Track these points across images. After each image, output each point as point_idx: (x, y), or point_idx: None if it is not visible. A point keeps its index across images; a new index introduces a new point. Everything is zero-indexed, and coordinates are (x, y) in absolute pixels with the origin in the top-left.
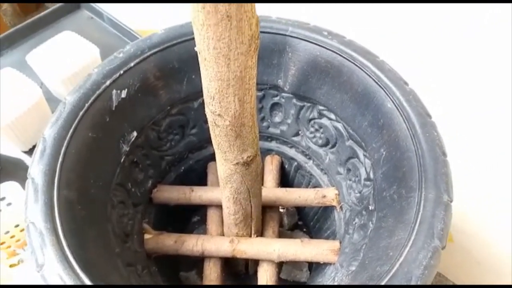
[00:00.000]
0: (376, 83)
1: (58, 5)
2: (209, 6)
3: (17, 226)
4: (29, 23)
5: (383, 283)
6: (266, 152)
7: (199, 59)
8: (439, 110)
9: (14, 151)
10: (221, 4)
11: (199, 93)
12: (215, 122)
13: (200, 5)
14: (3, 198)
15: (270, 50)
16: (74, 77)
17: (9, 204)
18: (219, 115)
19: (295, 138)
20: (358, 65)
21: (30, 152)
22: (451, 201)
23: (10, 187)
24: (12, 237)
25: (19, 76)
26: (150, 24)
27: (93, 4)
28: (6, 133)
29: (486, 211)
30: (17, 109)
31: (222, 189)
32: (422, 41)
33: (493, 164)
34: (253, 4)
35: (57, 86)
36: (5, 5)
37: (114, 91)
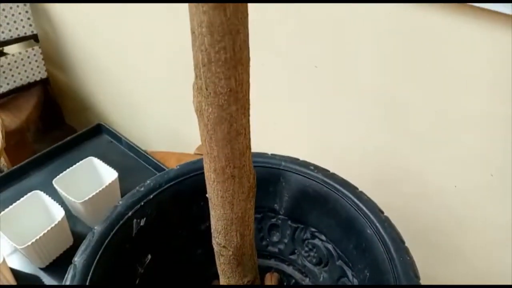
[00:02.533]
0: (356, 211)
1: (81, 131)
2: (218, 169)
3: None
4: (55, 147)
5: None
6: (265, 269)
7: (209, 203)
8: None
9: (30, 268)
10: (227, 168)
11: (206, 217)
12: (220, 253)
13: (212, 168)
14: None
15: (267, 180)
16: (93, 198)
17: None
18: (224, 246)
19: (292, 257)
20: (340, 195)
21: (46, 269)
22: None
23: None
24: None
25: (44, 199)
26: (161, 145)
27: (112, 129)
28: (28, 252)
29: None
30: (40, 230)
31: None
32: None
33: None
34: (251, 165)
35: (77, 206)
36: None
37: (134, 220)
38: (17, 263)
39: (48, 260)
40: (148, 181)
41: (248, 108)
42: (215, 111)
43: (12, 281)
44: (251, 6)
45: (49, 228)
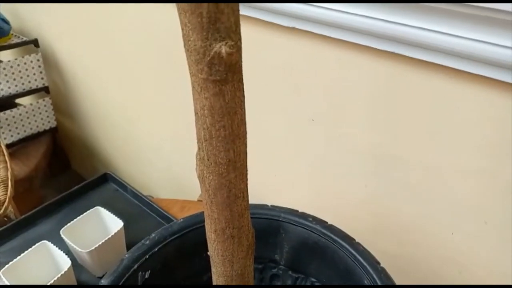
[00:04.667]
0: (354, 262)
1: (88, 180)
2: (219, 230)
3: None
4: (63, 197)
5: None
6: None
7: (211, 261)
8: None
9: None
10: (227, 229)
11: (208, 268)
12: None
13: (213, 228)
14: None
15: (267, 232)
16: (99, 248)
17: None
18: None
19: None
20: (338, 246)
21: None
22: None
23: None
24: None
25: (52, 249)
26: (165, 191)
27: (117, 177)
28: None
29: None
30: (47, 279)
31: None
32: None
33: None
34: (249, 224)
35: (83, 256)
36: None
37: (140, 273)
38: None
39: None
40: (153, 234)
41: (246, 174)
42: (215, 178)
43: None
44: (247, 77)
45: (55, 278)
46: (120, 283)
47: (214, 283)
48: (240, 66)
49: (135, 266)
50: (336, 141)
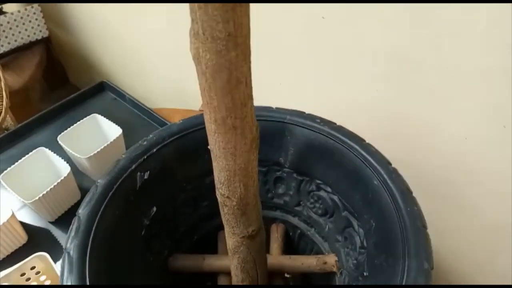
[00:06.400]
0: (363, 163)
1: (84, 88)
2: (219, 120)
3: None
4: (59, 105)
5: None
6: (271, 220)
7: (211, 154)
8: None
9: (41, 222)
10: (229, 119)
11: (211, 171)
12: (224, 203)
13: (212, 119)
14: (33, 267)
15: (272, 134)
16: (99, 154)
17: (37, 273)
18: (227, 197)
19: (297, 208)
20: (347, 147)
21: (56, 222)
22: (431, 269)
23: (41, 257)
24: None
25: (50, 155)
26: (166, 103)
27: (115, 86)
28: (36, 206)
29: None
30: (47, 185)
31: (230, 259)
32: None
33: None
34: (253, 115)
35: (82, 162)
36: (34, 82)
37: (138, 174)
38: (27, 217)
39: (57, 214)
40: (151, 135)
41: (249, 55)
42: (213, 58)
43: (23, 234)
44: None
45: (55, 183)
46: (118, 183)
47: (216, 178)
48: None
49: (133, 167)
50: (347, 42)
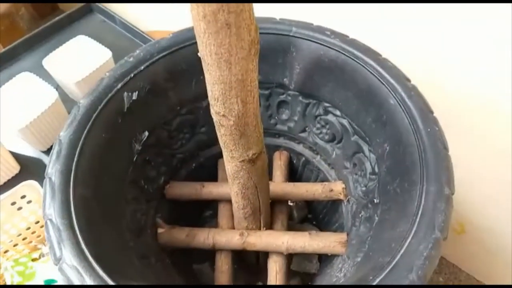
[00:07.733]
0: (379, 80)
1: (71, 9)
2: (209, 15)
3: (37, 222)
4: (45, 28)
5: (384, 273)
6: (274, 148)
7: (203, 64)
8: (443, 105)
9: (33, 151)
10: (221, 13)
11: (207, 93)
12: (220, 122)
13: (201, 14)
14: (23, 196)
15: (275, 50)
16: (88, 79)
17: (29, 202)
18: (223, 115)
19: (302, 134)
20: (361, 63)
21: (48, 151)
22: (452, 194)
23: (30, 185)
24: (33, 233)
25: (36, 80)
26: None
27: (105, 8)
28: (25, 134)
29: (497, 202)
30: (35, 111)
31: (230, 185)
32: (425, 38)
33: (503, 157)
34: (251, 11)
35: (71, 88)
36: (22, 10)
37: (125, 94)
38: (19, 147)
39: (48, 144)
40: (138, 51)
41: None
42: None
43: (14, 164)
44: None
45: (43, 110)
46: (102, 103)
47: (210, 93)
48: None
49: (119, 86)
50: None
